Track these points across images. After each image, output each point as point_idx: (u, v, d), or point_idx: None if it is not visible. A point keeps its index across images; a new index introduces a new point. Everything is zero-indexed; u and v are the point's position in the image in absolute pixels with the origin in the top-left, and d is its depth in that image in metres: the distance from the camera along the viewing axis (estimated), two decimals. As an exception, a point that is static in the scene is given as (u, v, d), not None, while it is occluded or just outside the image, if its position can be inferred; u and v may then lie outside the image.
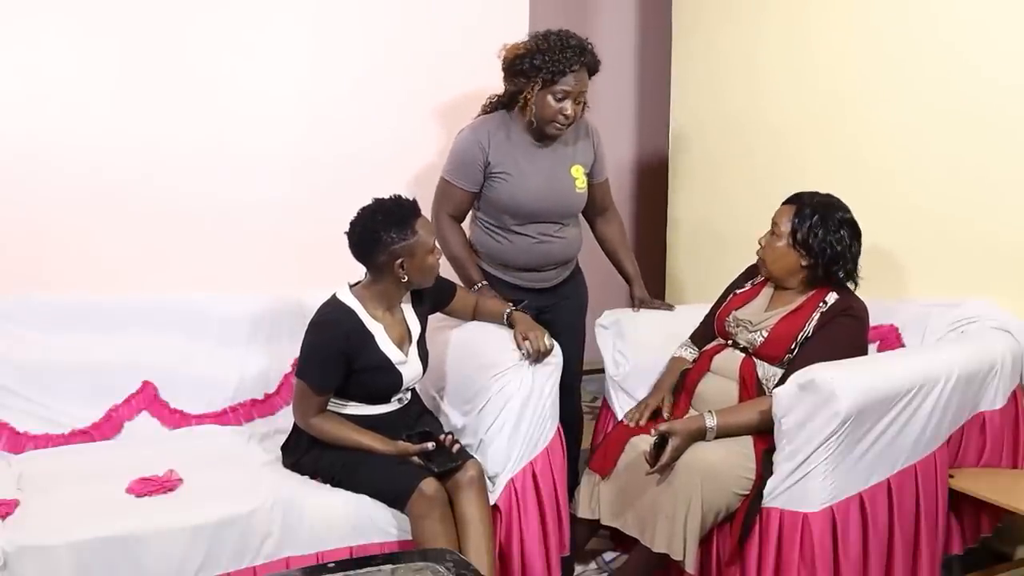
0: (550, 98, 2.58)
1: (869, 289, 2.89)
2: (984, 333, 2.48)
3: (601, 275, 3.19)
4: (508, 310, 2.57)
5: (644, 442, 2.43)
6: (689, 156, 3.71)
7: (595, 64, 2.64)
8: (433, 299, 2.53)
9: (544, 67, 2.56)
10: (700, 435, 2.33)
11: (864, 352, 2.45)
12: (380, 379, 2.35)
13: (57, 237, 2.76)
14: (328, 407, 2.36)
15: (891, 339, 2.65)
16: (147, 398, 2.66)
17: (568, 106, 2.59)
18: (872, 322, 2.69)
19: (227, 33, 2.93)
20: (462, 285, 2.71)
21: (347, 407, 2.37)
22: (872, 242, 2.90)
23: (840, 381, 2.13)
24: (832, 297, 2.45)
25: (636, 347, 2.81)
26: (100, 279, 2.79)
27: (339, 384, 2.33)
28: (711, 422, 2.34)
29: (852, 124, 2.98)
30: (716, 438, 2.34)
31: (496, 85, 2.82)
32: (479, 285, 2.74)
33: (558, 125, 2.63)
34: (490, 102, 2.80)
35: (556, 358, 2.46)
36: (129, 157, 2.83)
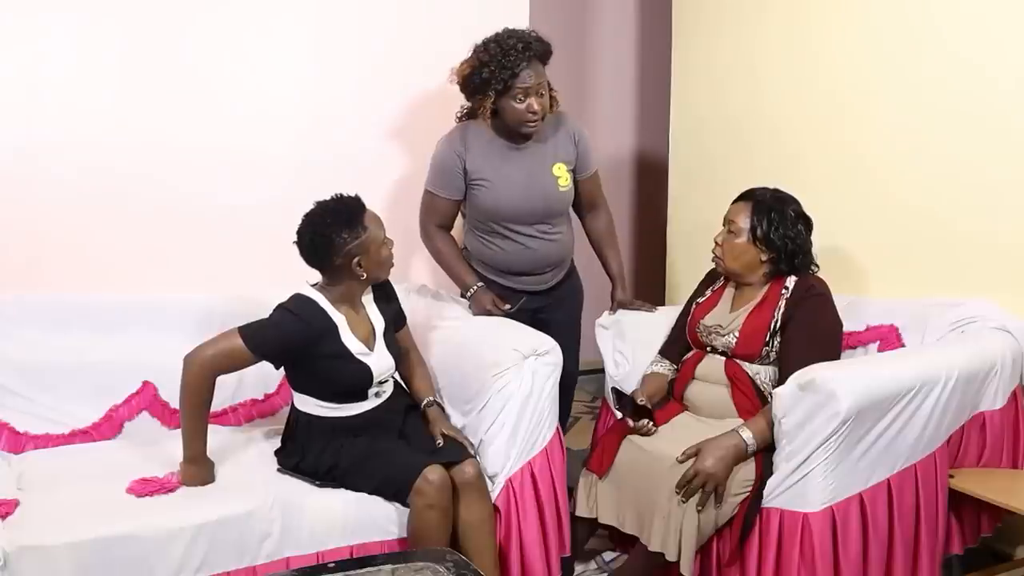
0: (512, 102, 2.61)
1: (868, 289, 2.90)
2: (984, 333, 2.47)
3: (603, 276, 3.20)
4: (429, 399, 2.51)
5: (642, 440, 2.44)
6: (689, 156, 3.71)
7: (544, 52, 2.64)
8: (394, 315, 2.53)
9: (493, 77, 2.58)
10: (740, 455, 2.28)
11: (840, 324, 2.50)
12: (344, 370, 2.32)
13: (57, 237, 2.76)
14: (308, 408, 2.36)
15: (891, 339, 2.64)
16: (147, 398, 2.65)
17: (533, 102, 2.60)
18: (872, 322, 2.71)
19: (228, 33, 2.93)
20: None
21: (327, 409, 2.35)
22: (872, 242, 2.91)
23: (840, 381, 2.13)
24: (791, 281, 2.51)
25: (636, 347, 2.81)
26: (100, 279, 2.79)
27: (269, 360, 2.30)
28: (747, 435, 2.29)
29: (851, 124, 2.98)
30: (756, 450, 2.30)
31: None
32: (474, 288, 2.75)
33: (530, 124, 2.64)
34: (463, 110, 2.82)
35: (556, 358, 2.46)
36: (130, 157, 2.83)
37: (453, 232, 2.88)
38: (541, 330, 2.53)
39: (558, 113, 2.80)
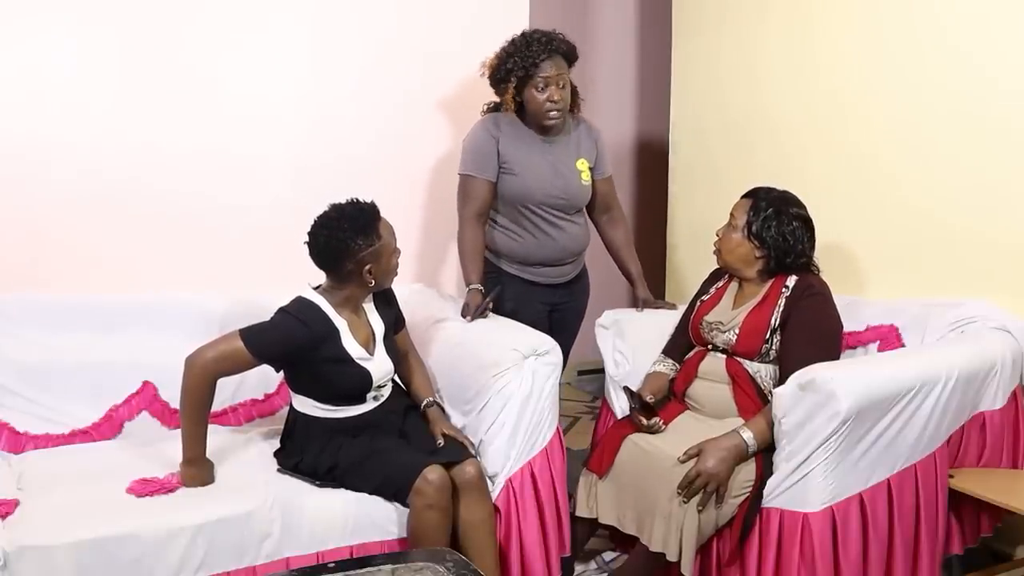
0: (533, 91, 2.71)
1: (868, 289, 2.90)
2: (984, 333, 2.48)
3: (603, 276, 3.20)
4: (429, 400, 2.51)
5: (642, 440, 2.45)
6: (689, 156, 3.71)
7: (568, 50, 2.75)
8: (394, 319, 2.52)
9: (516, 66, 2.69)
10: (740, 455, 2.29)
11: (840, 323, 2.51)
12: (344, 374, 2.32)
13: (57, 237, 2.76)
14: (307, 409, 2.36)
15: (891, 339, 2.65)
16: (147, 398, 2.66)
17: (553, 92, 2.70)
18: (872, 322, 2.71)
19: (227, 33, 2.93)
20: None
21: (325, 410, 2.35)
22: (872, 242, 2.91)
23: (840, 381, 2.13)
24: (792, 280, 2.52)
25: (636, 347, 2.82)
26: (100, 279, 2.79)
27: (270, 363, 2.30)
28: (748, 435, 2.30)
29: (852, 124, 2.98)
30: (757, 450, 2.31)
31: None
32: (471, 287, 2.77)
33: (552, 114, 2.73)
34: (490, 104, 2.88)
35: (556, 358, 2.46)
36: (129, 157, 2.83)
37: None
38: (556, 327, 2.53)
39: (579, 116, 2.92)
